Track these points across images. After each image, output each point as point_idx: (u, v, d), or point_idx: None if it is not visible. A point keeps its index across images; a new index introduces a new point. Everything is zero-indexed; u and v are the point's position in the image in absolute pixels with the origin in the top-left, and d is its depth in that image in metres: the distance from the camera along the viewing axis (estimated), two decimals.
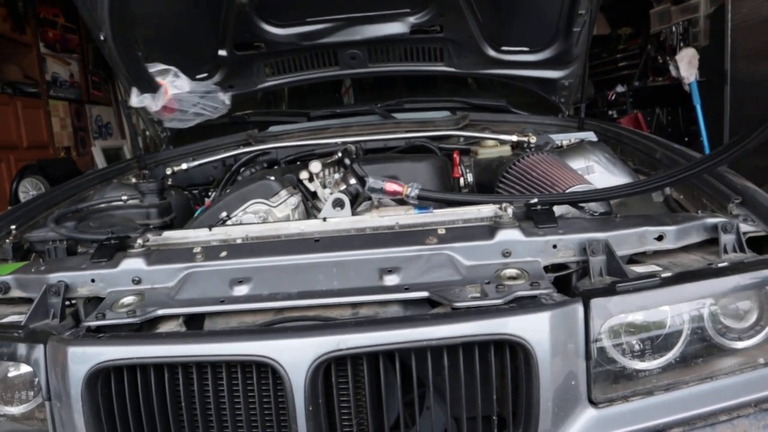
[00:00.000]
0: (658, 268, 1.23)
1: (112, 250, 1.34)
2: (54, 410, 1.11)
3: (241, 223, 1.52)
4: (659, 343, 1.14)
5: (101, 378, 1.06)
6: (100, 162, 6.65)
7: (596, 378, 1.08)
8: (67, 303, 1.30)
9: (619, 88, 5.73)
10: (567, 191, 1.48)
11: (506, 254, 1.21)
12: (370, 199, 1.65)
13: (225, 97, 0.93)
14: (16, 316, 1.29)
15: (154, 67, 0.93)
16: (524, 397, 1.02)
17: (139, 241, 1.37)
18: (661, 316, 1.15)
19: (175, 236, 1.40)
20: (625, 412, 1.08)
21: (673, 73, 4.57)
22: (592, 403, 1.07)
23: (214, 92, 0.90)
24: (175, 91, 0.92)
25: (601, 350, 1.09)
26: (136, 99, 0.94)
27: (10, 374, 1.20)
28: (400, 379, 1.03)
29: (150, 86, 1.70)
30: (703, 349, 1.16)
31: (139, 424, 1.07)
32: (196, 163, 2.23)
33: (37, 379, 1.14)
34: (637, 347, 1.14)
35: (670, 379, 1.13)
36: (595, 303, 1.06)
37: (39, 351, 1.12)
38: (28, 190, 4.54)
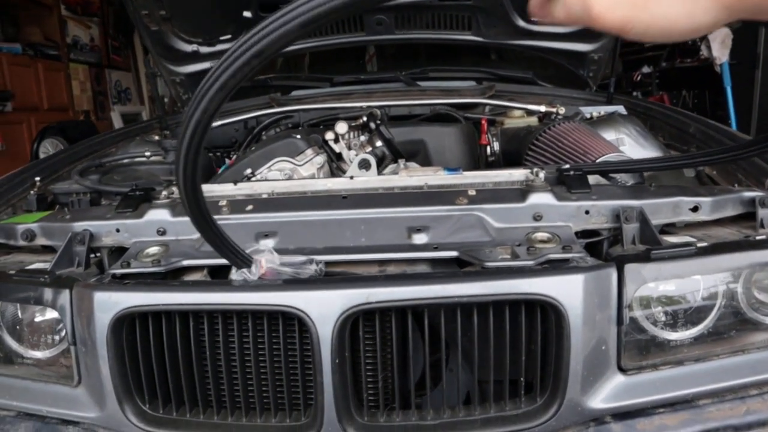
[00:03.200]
0: (693, 239, 1.20)
1: (137, 201, 1.33)
2: (79, 355, 1.11)
3: (266, 180, 1.51)
4: (691, 315, 1.12)
5: (126, 324, 1.06)
6: (119, 126, 6.67)
7: (626, 346, 1.06)
8: (92, 255, 1.30)
9: (645, 69, 5.61)
10: (599, 160, 1.44)
11: (537, 218, 1.19)
12: (396, 162, 1.63)
13: (315, 267, 1.00)
14: (41, 264, 1.30)
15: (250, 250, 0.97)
16: (553, 361, 1.00)
17: (164, 192, 1.36)
18: (694, 286, 1.12)
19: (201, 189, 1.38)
20: (654, 380, 1.06)
21: (704, 53, 4.45)
22: (622, 370, 1.05)
23: (306, 263, 0.96)
24: (269, 266, 0.97)
25: (633, 319, 1.07)
26: (235, 273, 1.03)
27: (37, 319, 1.21)
28: (428, 337, 1.02)
29: None
30: (735, 322, 1.13)
31: (163, 371, 1.07)
32: (218, 123, 2.21)
33: (62, 325, 1.15)
34: (668, 318, 1.11)
35: (700, 351, 1.11)
36: (629, 268, 1.03)
37: (65, 296, 1.11)
38: (49, 150, 4.56)
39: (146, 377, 1.07)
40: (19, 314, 1.21)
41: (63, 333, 1.16)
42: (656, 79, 5.52)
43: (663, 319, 1.12)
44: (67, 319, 1.12)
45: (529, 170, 1.33)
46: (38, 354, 1.19)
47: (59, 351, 1.18)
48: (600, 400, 1.03)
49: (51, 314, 1.19)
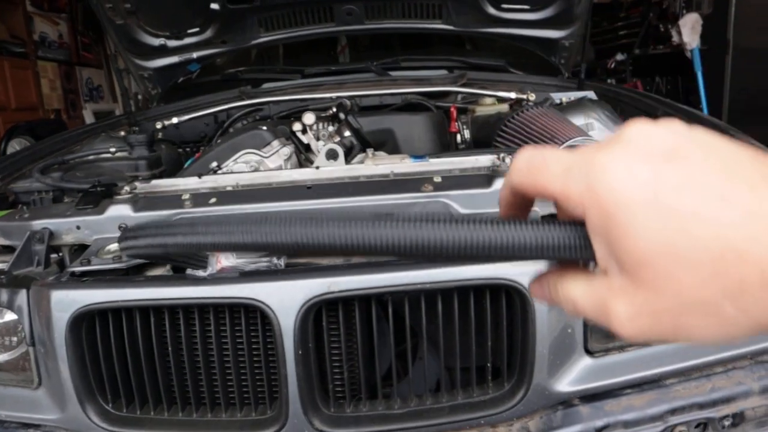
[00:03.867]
0: None
1: (98, 197, 1.30)
2: (38, 356, 1.09)
3: (231, 172, 1.48)
4: None
5: (86, 323, 1.03)
6: None
7: (593, 329, 1.06)
8: (54, 255, 1.26)
9: (619, 57, 5.64)
10: (566, 144, 1.44)
11: None
12: (364, 151, 1.61)
13: (275, 259, 0.99)
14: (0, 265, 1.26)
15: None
16: (519, 345, 0.99)
17: (126, 188, 1.33)
18: None
19: (163, 184, 1.36)
20: (621, 361, 1.06)
21: (676, 39, 4.48)
22: (588, 352, 1.05)
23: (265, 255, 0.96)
24: (226, 264, 0.95)
25: None
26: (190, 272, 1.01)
27: None
28: (393, 328, 1.01)
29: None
30: None
31: (125, 369, 1.04)
32: (187, 117, 2.17)
33: (20, 327, 1.12)
34: None
35: None
36: None
37: (22, 296, 1.09)
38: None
39: (108, 376, 1.05)
40: None
41: (22, 335, 1.13)
42: (630, 66, 5.56)
43: None
44: (24, 320, 1.09)
45: (495, 155, 1.32)
46: None
47: (18, 353, 1.15)
48: (567, 383, 1.03)
49: (10, 316, 1.16)
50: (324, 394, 1.01)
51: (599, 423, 1.01)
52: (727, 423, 1.09)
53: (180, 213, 1.21)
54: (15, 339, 1.14)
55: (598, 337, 1.06)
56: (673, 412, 1.05)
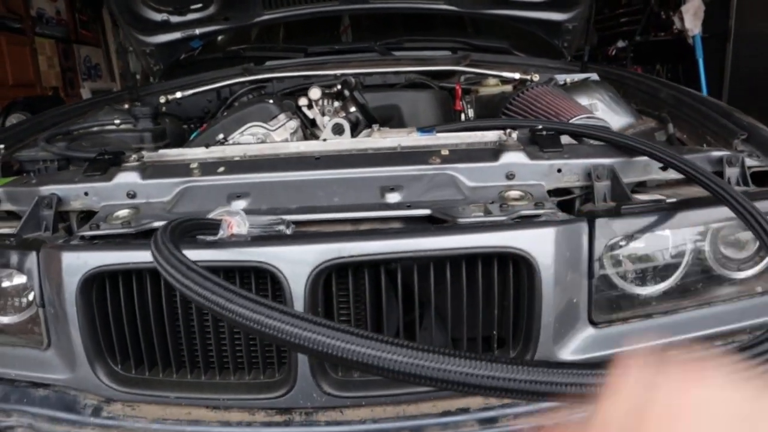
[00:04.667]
0: (662, 197, 1.22)
1: (106, 165, 1.30)
2: (48, 317, 1.10)
3: (238, 144, 1.48)
4: (660, 270, 1.14)
5: (96, 285, 1.04)
6: None
7: (597, 300, 1.08)
8: (60, 224, 1.27)
9: (620, 44, 5.63)
10: (572, 121, 1.45)
11: (510, 176, 1.19)
12: (370, 127, 1.61)
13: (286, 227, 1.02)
14: (7, 230, 1.27)
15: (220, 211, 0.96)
16: (525, 314, 1.01)
17: (134, 156, 1.33)
18: (663, 242, 1.14)
19: (171, 153, 1.36)
20: (624, 332, 1.08)
21: (677, 25, 4.48)
22: (592, 323, 1.07)
23: (277, 223, 0.97)
24: (237, 230, 0.96)
25: (603, 275, 1.09)
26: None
27: (4, 284, 1.18)
28: (401, 297, 1.02)
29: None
30: (702, 277, 1.16)
31: (135, 332, 1.06)
32: (191, 91, 2.17)
33: (30, 289, 1.13)
34: (637, 273, 1.13)
35: (669, 304, 1.13)
36: (600, 222, 1.05)
37: (32, 258, 1.09)
38: None
39: (117, 338, 1.06)
40: None
41: (31, 297, 1.14)
42: (631, 53, 5.55)
43: (633, 273, 1.14)
44: (35, 282, 1.10)
45: (501, 131, 1.33)
46: (6, 320, 1.17)
47: (28, 316, 1.16)
48: (570, 352, 1.05)
49: (19, 280, 1.17)
50: None
51: None
52: None
53: (188, 181, 1.22)
54: (24, 301, 1.14)
55: (601, 309, 1.08)
56: None
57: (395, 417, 0.99)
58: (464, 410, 0.99)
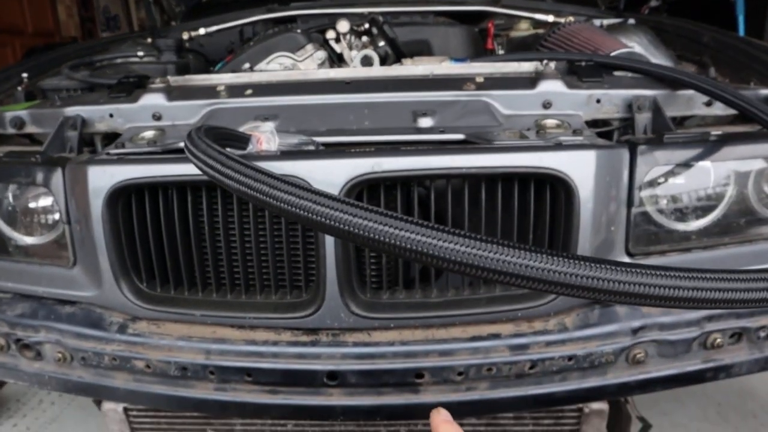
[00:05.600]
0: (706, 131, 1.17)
1: (132, 87, 1.28)
2: (74, 234, 1.09)
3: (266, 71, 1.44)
4: (701, 206, 1.10)
5: (122, 201, 1.03)
6: None
7: (635, 232, 1.04)
8: (85, 148, 1.25)
9: (653, 2, 5.43)
10: (613, 54, 1.39)
11: (547, 105, 1.15)
12: (399, 62, 1.56)
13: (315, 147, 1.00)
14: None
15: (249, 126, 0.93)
16: (561, 238, 0.98)
17: (159, 79, 1.30)
18: (705, 177, 1.10)
19: (197, 78, 1.33)
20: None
21: None
22: (629, 254, 1.03)
23: (307, 143, 0.93)
24: (266, 146, 0.92)
25: (642, 210, 1.05)
26: None
27: (30, 205, 1.17)
28: (434, 216, 0.99)
29: None
30: (743, 215, 1.12)
31: (161, 249, 1.04)
32: (214, 28, 2.12)
33: (56, 208, 1.11)
34: (677, 208, 1.09)
35: (708, 241, 1.09)
36: (642, 150, 1.00)
37: (58, 175, 1.08)
38: None
39: (143, 255, 1.05)
40: (11, 200, 1.18)
41: (57, 217, 1.13)
42: (664, 12, 5.35)
43: (672, 209, 1.09)
44: (60, 198, 1.08)
45: (538, 62, 1.28)
46: (32, 240, 1.17)
47: (54, 235, 1.15)
48: None
49: (45, 201, 1.16)
50: (361, 279, 1.00)
51: (636, 324, 1.01)
52: (762, 334, 1.08)
53: (215, 103, 1.19)
54: (51, 218, 1.13)
55: (639, 240, 1.04)
56: (710, 318, 1.04)
57: (424, 340, 0.97)
58: (495, 335, 0.97)
